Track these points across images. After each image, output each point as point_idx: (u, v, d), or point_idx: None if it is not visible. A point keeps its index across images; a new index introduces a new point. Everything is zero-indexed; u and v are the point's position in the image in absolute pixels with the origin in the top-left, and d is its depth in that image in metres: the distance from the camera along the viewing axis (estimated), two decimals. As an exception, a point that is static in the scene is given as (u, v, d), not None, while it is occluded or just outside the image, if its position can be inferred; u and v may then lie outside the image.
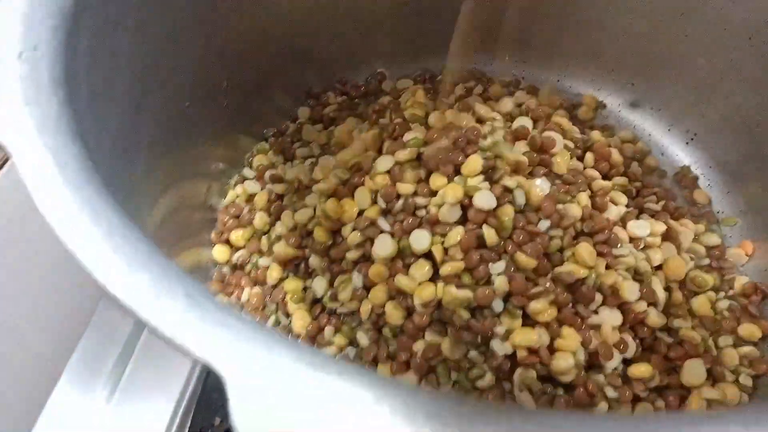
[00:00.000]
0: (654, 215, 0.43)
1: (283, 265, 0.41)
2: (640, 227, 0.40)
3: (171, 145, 0.39)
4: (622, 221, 0.40)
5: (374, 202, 0.37)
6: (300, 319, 0.39)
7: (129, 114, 0.31)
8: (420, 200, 0.36)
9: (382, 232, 0.36)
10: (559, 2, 0.51)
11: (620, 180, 0.43)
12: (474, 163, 0.36)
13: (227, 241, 0.43)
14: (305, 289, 0.40)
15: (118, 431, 0.40)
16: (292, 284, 0.40)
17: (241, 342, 0.15)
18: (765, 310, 0.41)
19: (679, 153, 0.50)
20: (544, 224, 0.36)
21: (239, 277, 0.42)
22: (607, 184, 0.41)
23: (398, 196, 0.37)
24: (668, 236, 0.41)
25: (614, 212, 0.39)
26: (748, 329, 0.39)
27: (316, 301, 0.40)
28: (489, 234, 0.34)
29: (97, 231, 0.17)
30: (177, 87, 0.38)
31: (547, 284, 0.34)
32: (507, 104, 0.48)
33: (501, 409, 0.14)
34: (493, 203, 0.34)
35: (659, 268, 0.40)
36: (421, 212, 0.36)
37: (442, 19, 0.54)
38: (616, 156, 0.45)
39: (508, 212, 0.35)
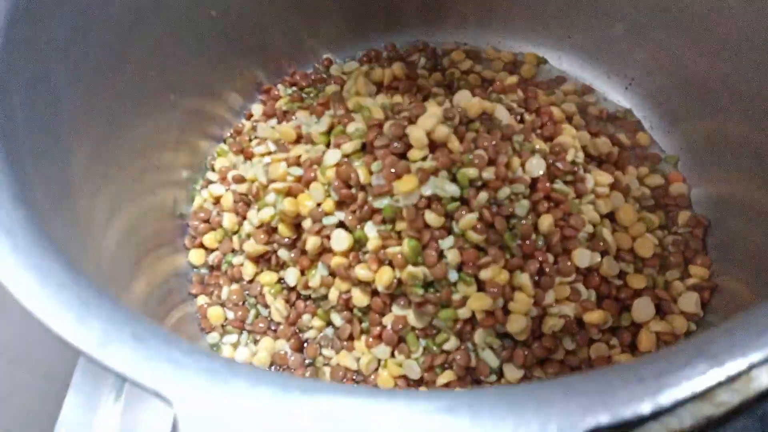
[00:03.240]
0: (601, 165, 0.46)
1: (256, 260, 0.44)
2: (587, 180, 0.42)
3: (132, 161, 0.41)
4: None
5: (328, 195, 0.40)
6: (278, 310, 0.42)
7: (81, 152, 0.33)
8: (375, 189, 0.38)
9: (338, 226, 0.39)
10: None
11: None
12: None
13: (201, 245, 0.46)
14: (280, 280, 0.43)
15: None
16: (267, 277, 0.43)
17: (186, 374, 0.18)
18: (716, 236, 0.44)
19: (620, 98, 0.52)
20: (504, 192, 0.38)
21: (217, 276, 0.45)
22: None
23: (349, 186, 0.39)
24: (615, 186, 0.44)
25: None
26: (698, 271, 0.42)
27: (291, 289, 0.43)
28: (431, 218, 0.37)
29: (47, 291, 0.19)
30: (123, 108, 0.40)
31: (494, 252, 0.37)
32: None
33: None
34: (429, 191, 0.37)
35: (611, 216, 0.43)
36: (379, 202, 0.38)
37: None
38: (557, 113, 0.47)
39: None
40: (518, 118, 0.46)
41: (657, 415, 0.16)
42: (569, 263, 0.39)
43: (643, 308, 0.40)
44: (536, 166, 0.40)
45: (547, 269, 0.38)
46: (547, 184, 0.40)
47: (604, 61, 0.52)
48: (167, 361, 0.18)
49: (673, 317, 0.40)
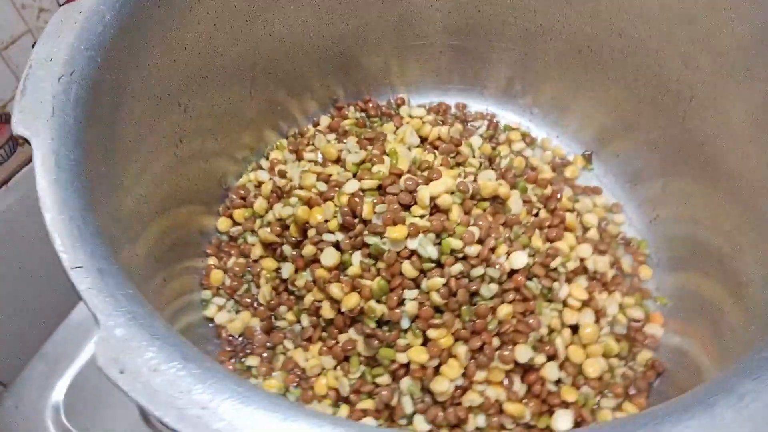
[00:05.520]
0: (592, 280, 0.49)
1: (265, 246, 0.51)
2: (562, 290, 0.46)
3: (198, 135, 0.49)
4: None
5: (336, 216, 0.46)
6: (264, 294, 0.49)
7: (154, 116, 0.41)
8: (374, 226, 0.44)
9: (333, 244, 0.45)
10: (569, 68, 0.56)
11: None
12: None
13: (230, 216, 0.53)
14: (277, 269, 0.50)
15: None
16: (268, 263, 0.50)
17: (116, 309, 0.24)
18: (663, 383, 0.46)
19: (643, 228, 0.54)
20: (477, 271, 0.43)
21: (231, 246, 0.52)
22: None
23: (354, 216, 0.45)
24: (590, 304, 0.47)
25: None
26: (630, 408, 0.44)
27: (282, 280, 0.49)
28: (407, 268, 0.42)
29: (67, 229, 0.27)
30: (205, 89, 0.48)
31: (448, 318, 0.42)
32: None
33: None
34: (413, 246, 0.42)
35: (575, 328, 0.46)
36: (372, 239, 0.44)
37: (473, 59, 0.61)
38: (570, 220, 0.51)
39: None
40: (535, 211, 0.51)
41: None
42: (511, 354, 0.43)
43: (562, 419, 0.43)
44: (518, 260, 0.44)
45: (487, 350, 0.42)
46: (521, 278, 0.44)
47: (640, 191, 0.55)
48: (110, 296, 0.25)
49: (587, 437, 0.43)
